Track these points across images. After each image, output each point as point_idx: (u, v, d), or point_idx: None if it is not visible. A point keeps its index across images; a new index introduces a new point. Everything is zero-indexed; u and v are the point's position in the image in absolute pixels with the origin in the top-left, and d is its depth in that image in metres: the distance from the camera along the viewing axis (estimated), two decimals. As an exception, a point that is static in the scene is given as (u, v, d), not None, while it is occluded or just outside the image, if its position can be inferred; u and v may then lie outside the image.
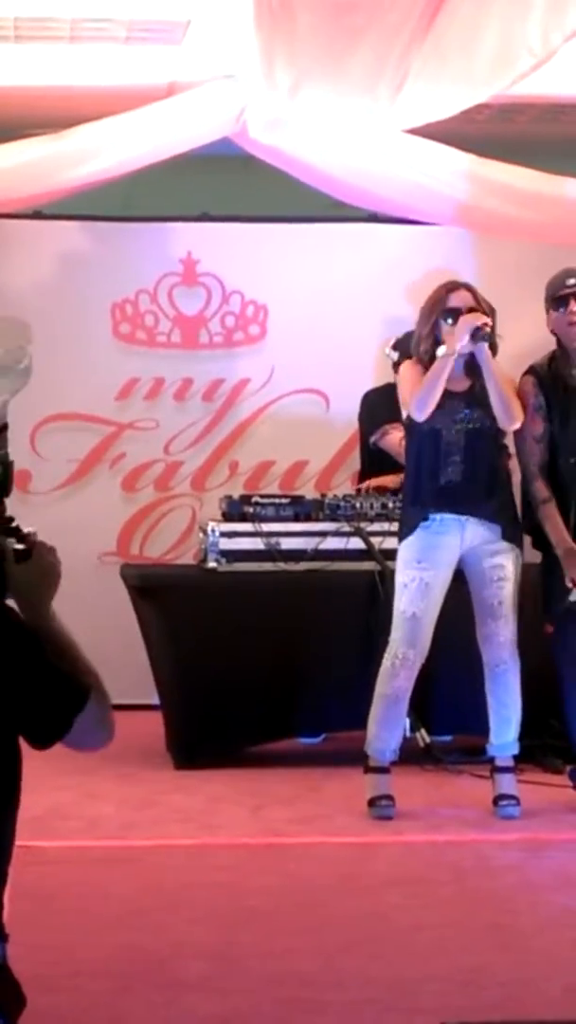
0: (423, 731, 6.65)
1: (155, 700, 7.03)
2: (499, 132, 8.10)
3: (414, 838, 5.70)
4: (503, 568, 5.93)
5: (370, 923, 4.73)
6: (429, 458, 5.92)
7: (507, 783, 5.98)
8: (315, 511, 6.87)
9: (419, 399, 5.81)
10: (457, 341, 5.80)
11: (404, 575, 5.92)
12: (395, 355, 7.17)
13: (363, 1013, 3.96)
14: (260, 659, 6.73)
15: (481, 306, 5.90)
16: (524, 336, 8.34)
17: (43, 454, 8.23)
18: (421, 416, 5.83)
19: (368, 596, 6.65)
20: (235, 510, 6.88)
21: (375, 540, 6.73)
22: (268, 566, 6.77)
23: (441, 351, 5.82)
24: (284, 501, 6.95)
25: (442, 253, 8.25)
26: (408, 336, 7.16)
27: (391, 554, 6.55)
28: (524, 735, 6.57)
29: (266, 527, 6.79)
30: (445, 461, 5.90)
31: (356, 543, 6.76)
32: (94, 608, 7.89)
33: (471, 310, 5.85)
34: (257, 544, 6.79)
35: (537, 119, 8.23)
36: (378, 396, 7.41)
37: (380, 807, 5.93)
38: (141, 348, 8.32)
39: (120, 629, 7.35)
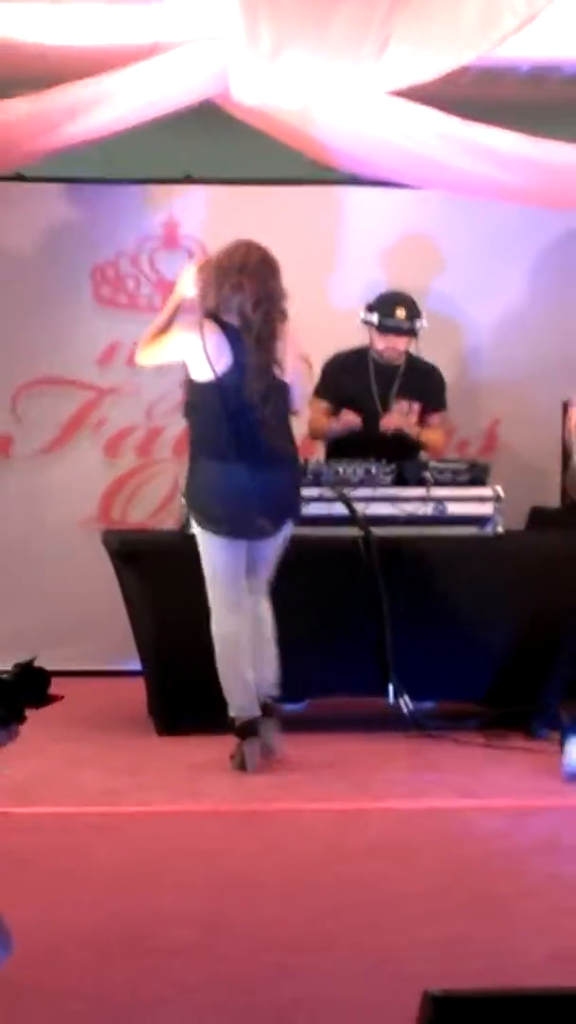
0: (406, 697, 6.63)
1: (137, 666, 7.01)
2: (483, 96, 8.03)
3: (398, 805, 5.70)
4: None
5: (355, 890, 4.73)
6: None
7: None
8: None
9: None
10: None
11: None
12: (373, 317, 7.20)
13: (348, 980, 3.96)
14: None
15: None
16: (504, 301, 8.37)
17: (25, 418, 8.18)
18: None
19: (351, 561, 6.63)
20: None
21: (359, 506, 6.70)
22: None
23: None
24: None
25: (423, 216, 8.23)
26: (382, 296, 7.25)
27: (375, 520, 6.55)
28: (511, 702, 6.59)
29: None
30: None
31: (339, 508, 6.72)
32: (76, 574, 7.89)
33: None
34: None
35: (521, 83, 8.17)
36: (348, 362, 7.39)
37: None
38: (123, 312, 8.26)
39: (102, 595, 7.33)
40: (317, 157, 7.36)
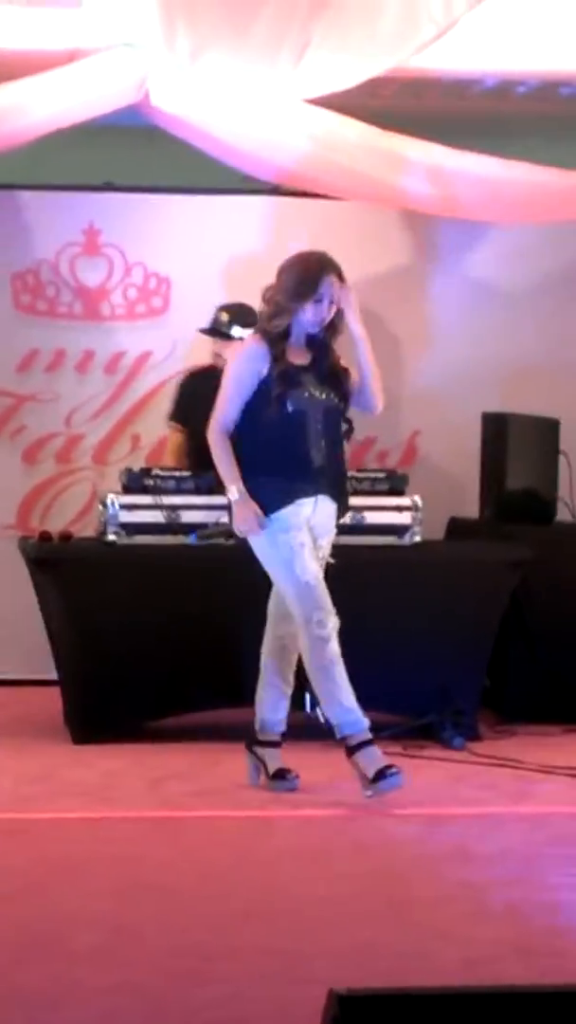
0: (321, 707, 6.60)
1: (53, 676, 6.96)
2: (405, 108, 8.05)
3: (313, 812, 5.68)
4: (327, 547, 5.92)
5: (266, 896, 4.71)
6: (297, 438, 5.78)
7: (379, 755, 5.80)
8: (217, 484, 6.80)
9: None
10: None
11: (292, 545, 5.78)
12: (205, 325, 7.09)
13: (256, 984, 3.94)
14: (159, 633, 6.68)
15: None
16: (424, 314, 8.39)
17: None
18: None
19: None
20: (135, 482, 6.81)
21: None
22: (168, 539, 6.71)
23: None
24: (185, 474, 6.89)
25: (346, 227, 8.24)
26: (242, 307, 7.06)
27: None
28: (426, 711, 6.59)
29: (167, 500, 6.73)
30: (314, 443, 5.80)
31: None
32: (-7, 581, 7.83)
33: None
34: (157, 517, 6.73)
35: (444, 95, 8.20)
36: (200, 382, 7.14)
37: (289, 780, 5.92)
38: (43, 319, 8.22)
39: (19, 603, 7.29)
40: (237, 165, 7.34)
